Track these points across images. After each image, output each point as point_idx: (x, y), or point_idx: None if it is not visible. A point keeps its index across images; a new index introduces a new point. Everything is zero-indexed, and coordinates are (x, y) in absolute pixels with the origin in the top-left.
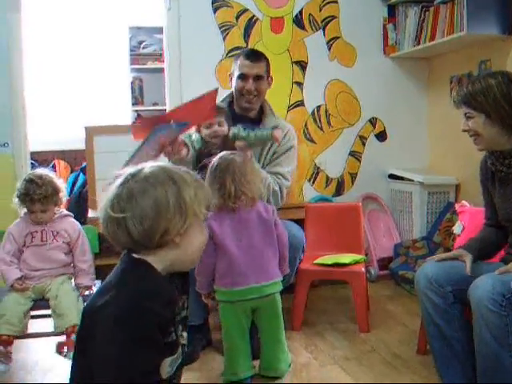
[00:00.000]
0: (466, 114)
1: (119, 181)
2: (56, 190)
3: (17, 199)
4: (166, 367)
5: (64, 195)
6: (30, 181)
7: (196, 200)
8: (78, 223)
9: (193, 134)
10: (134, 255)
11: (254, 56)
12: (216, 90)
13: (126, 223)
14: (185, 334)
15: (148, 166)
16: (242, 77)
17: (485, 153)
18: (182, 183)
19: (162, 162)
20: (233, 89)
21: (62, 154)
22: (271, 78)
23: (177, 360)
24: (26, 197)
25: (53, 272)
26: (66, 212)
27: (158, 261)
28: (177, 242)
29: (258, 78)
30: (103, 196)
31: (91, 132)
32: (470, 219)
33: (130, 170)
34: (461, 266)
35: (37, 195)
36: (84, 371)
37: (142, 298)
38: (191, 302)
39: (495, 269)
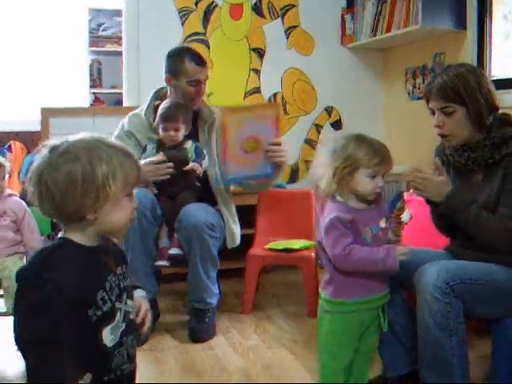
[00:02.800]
0: (441, 108)
1: (43, 153)
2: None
3: None
4: (108, 335)
5: (5, 171)
6: None
7: (113, 177)
8: (23, 202)
9: (149, 146)
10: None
11: (202, 60)
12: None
13: (42, 197)
14: (130, 302)
15: (69, 141)
16: (195, 83)
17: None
18: (97, 160)
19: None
20: (173, 90)
21: (18, 136)
22: None
23: (119, 327)
24: None
25: (4, 251)
26: (9, 191)
27: (82, 233)
28: (91, 218)
29: (205, 81)
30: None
31: (47, 113)
32: (417, 208)
33: (54, 141)
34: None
35: None
36: None
37: (43, 269)
38: (142, 276)
39: (440, 257)
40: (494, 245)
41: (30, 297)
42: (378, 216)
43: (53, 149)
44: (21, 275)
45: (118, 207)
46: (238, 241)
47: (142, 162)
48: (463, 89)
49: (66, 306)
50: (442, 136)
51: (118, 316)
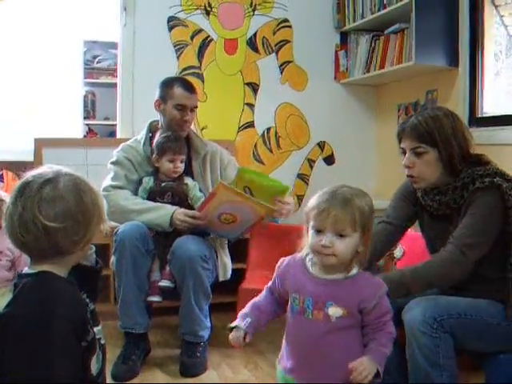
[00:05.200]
0: (414, 148)
1: (35, 184)
2: None
3: None
4: (94, 364)
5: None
6: None
7: (102, 208)
8: None
9: (146, 178)
10: (30, 271)
11: (192, 87)
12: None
13: (57, 233)
14: (97, 328)
15: (64, 174)
16: (180, 108)
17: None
18: (94, 192)
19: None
20: (164, 115)
21: (11, 165)
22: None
23: (99, 354)
24: None
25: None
26: None
27: (61, 267)
28: (85, 248)
29: (193, 108)
30: (11, 200)
31: (40, 144)
32: (410, 244)
33: (44, 175)
34: None
35: None
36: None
37: (49, 305)
38: (134, 310)
39: (429, 293)
40: (450, 280)
41: (38, 336)
42: (331, 297)
43: (51, 182)
44: (18, 316)
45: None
46: (229, 274)
47: (179, 211)
48: (437, 131)
49: (72, 340)
50: (411, 177)
51: (97, 343)
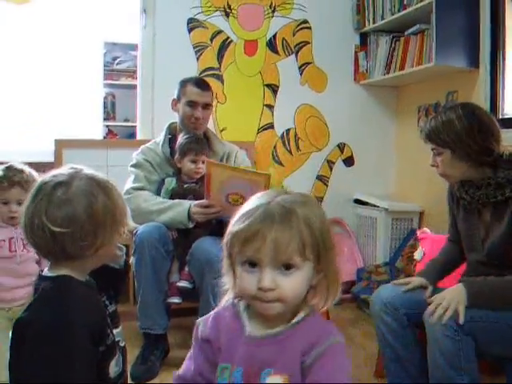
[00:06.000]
0: (433, 149)
1: (47, 187)
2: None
3: None
4: (113, 367)
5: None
6: (8, 168)
7: (124, 213)
8: None
9: (169, 179)
10: (49, 274)
11: (204, 85)
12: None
13: (63, 237)
14: (116, 330)
15: (79, 176)
16: (192, 104)
17: None
18: (113, 196)
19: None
20: (179, 114)
21: (31, 166)
22: (213, 106)
23: (119, 357)
24: (1, 182)
25: (30, 289)
26: None
27: (77, 268)
28: (101, 253)
29: (206, 106)
30: (28, 201)
31: (61, 145)
32: (430, 246)
33: (59, 177)
34: (416, 290)
35: (17, 177)
36: None
37: (66, 311)
38: (153, 311)
39: None
40: None
41: (54, 342)
42: (268, 362)
43: (64, 185)
44: (35, 321)
45: (116, 242)
46: None
47: (195, 203)
48: (446, 134)
49: (89, 347)
50: (440, 175)
51: (117, 346)
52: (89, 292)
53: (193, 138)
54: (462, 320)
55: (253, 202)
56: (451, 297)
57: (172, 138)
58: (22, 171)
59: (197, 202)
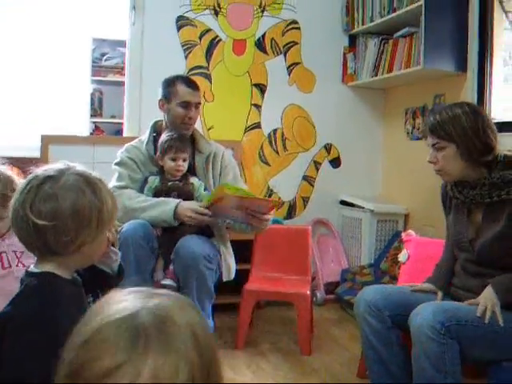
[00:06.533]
0: (434, 144)
1: (36, 180)
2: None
3: None
4: None
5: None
6: None
7: (112, 212)
8: None
9: (152, 177)
10: (35, 270)
11: (194, 84)
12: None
13: (45, 231)
14: None
15: (69, 171)
16: (185, 105)
17: None
18: (101, 194)
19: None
20: (168, 115)
21: (17, 161)
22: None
23: None
24: None
25: None
26: None
27: (62, 266)
28: (84, 251)
29: (197, 105)
30: (18, 192)
31: (47, 140)
32: (415, 248)
33: (49, 171)
34: (399, 291)
35: None
36: None
37: (49, 305)
38: None
39: (435, 298)
40: None
41: (32, 338)
42: None
43: (53, 180)
44: (17, 316)
45: (102, 241)
46: (233, 274)
47: (186, 206)
48: (453, 128)
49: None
50: (437, 172)
51: None
52: (72, 290)
53: (174, 136)
54: (501, 322)
55: (100, 309)
56: (485, 300)
57: (157, 136)
58: None
59: (191, 206)
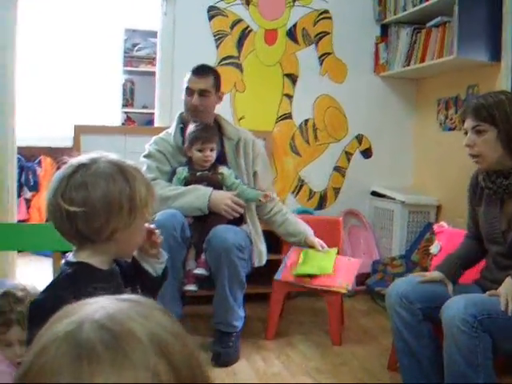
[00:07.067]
0: (474, 127)
1: (69, 169)
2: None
3: None
4: None
5: None
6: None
7: (145, 200)
8: None
9: (180, 168)
10: (71, 259)
11: (200, 71)
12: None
13: (76, 218)
14: None
15: (102, 160)
16: (188, 91)
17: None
18: (134, 182)
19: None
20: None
21: (50, 151)
22: (221, 93)
23: None
24: None
25: None
26: None
27: (98, 255)
28: (119, 238)
29: (203, 92)
30: (52, 181)
31: (80, 130)
32: (447, 240)
33: (82, 159)
34: (431, 283)
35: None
36: None
37: (76, 296)
38: (168, 298)
39: (469, 290)
40: None
41: (38, 314)
42: None
43: (85, 168)
44: (46, 304)
45: (139, 230)
46: (264, 260)
47: (228, 195)
48: (497, 111)
49: None
50: (473, 157)
51: None
52: (106, 280)
53: (199, 127)
54: None
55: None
56: (506, 291)
57: (184, 126)
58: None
59: (229, 195)
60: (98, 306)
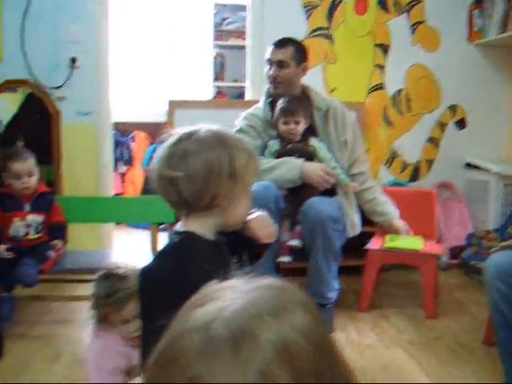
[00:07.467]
0: None
1: (172, 140)
2: None
3: None
4: None
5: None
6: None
7: (246, 167)
8: None
9: (272, 141)
10: (179, 228)
11: (279, 42)
12: None
13: (178, 183)
14: None
15: (203, 129)
16: (267, 63)
17: None
18: (234, 149)
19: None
20: None
21: (143, 126)
22: (305, 65)
23: None
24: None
25: None
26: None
27: (204, 225)
28: (224, 206)
29: (281, 63)
30: (157, 153)
31: (174, 105)
32: None
33: (185, 130)
34: None
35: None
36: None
37: (183, 264)
38: (262, 270)
39: None
40: None
41: (164, 294)
42: None
43: (186, 137)
44: (155, 273)
45: (243, 199)
46: (358, 230)
47: (321, 166)
48: None
49: None
50: None
51: None
52: (212, 249)
53: (285, 100)
54: None
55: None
56: None
57: (273, 100)
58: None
59: (321, 166)
60: (231, 298)
